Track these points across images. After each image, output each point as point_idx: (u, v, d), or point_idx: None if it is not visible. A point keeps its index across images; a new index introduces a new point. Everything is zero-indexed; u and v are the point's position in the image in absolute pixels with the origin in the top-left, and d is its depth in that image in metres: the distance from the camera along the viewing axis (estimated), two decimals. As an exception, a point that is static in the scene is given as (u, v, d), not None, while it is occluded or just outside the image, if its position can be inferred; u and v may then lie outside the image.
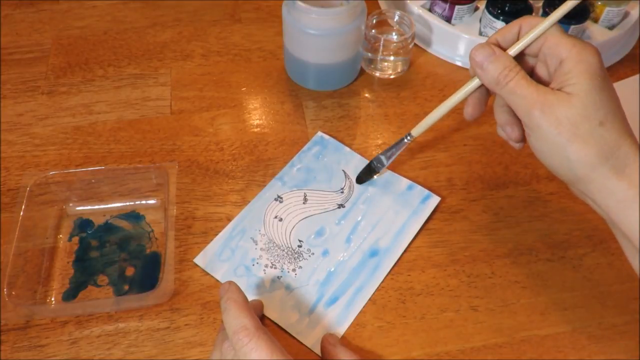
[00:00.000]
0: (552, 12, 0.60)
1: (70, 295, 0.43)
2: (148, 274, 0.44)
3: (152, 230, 0.47)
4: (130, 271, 0.45)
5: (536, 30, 0.35)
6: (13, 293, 0.40)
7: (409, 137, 0.46)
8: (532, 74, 0.38)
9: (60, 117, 0.55)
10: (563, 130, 0.32)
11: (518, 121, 0.38)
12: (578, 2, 0.34)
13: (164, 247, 0.45)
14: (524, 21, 0.36)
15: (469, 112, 0.40)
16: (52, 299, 0.43)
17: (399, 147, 0.47)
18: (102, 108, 0.56)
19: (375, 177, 0.50)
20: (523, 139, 0.38)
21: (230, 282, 0.36)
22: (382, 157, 0.49)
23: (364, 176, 0.50)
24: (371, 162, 0.49)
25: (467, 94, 0.39)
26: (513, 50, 0.36)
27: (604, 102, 0.32)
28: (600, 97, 0.32)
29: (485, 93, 0.40)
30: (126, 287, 0.44)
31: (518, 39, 0.36)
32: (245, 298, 0.35)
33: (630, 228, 0.33)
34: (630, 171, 0.32)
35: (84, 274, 0.44)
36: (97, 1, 0.68)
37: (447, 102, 0.41)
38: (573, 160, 0.33)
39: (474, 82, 0.38)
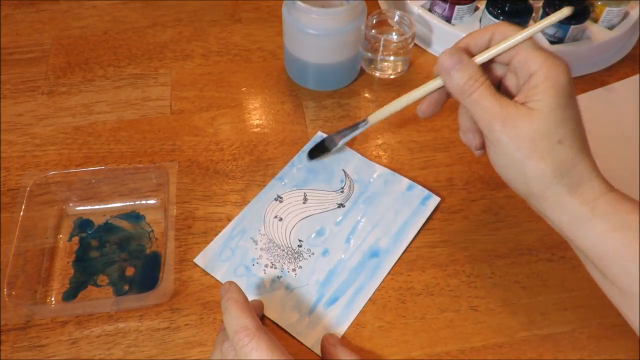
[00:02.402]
0: (551, 12, 0.60)
1: (70, 295, 0.43)
2: (148, 274, 0.44)
3: (152, 230, 0.47)
4: (130, 271, 0.45)
5: (507, 42, 0.34)
6: (13, 293, 0.40)
7: (364, 123, 0.47)
8: (500, 83, 0.37)
9: (60, 117, 0.55)
10: (521, 146, 0.32)
11: (480, 129, 0.37)
12: (556, 21, 0.33)
13: (164, 247, 0.45)
14: (498, 29, 0.35)
15: (422, 108, 0.40)
16: (52, 299, 0.43)
17: (353, 130, 0.48)
18: (102, 108, 0.56)
19: (325, 155, 0.51)
20: (483, 146, 0.38)
21: (231, 282, 0.36)
22: (335, 137, 0.49)
23: (315, 153, 0.51)
24: (324, 139, 0.50)
25: (430, 90, 0.39)
26: (480, 59, 0.35)
27: (565, 120, 0.32)
28: (563, 115, 0.32)
29: (445, 95, 0.39)
30: (126, 287, 0.44)
31: (490, 45, 0.36)
32: (246, 298, 0.35)
33: (584, 244, 0.33)
34: (583, 189, 0.33)
35: (84, 274, 0.44)
36: (97, 1, 0.68)
37: (410, 95, 0.40)
38: (529, 176, 0.33)
39: (438, 81, 0.38)
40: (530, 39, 0.34)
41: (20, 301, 0.41)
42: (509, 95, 0.36)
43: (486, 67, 0.36)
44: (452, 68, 0.35)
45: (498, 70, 0.37)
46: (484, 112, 0.34)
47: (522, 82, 0.34)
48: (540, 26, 0.34)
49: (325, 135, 0.52)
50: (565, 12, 0.33)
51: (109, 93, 0.58)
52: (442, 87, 0.38)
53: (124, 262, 0.45)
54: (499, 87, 0.37)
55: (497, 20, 0.58)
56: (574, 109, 0.33)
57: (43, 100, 0.57)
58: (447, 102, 0.40)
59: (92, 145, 0.53)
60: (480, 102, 0.34)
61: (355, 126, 0.48)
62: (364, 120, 0.47)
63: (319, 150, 0.51)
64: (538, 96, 0.32)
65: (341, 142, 0.49)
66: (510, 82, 0.36)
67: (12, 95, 0.57)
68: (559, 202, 0.33)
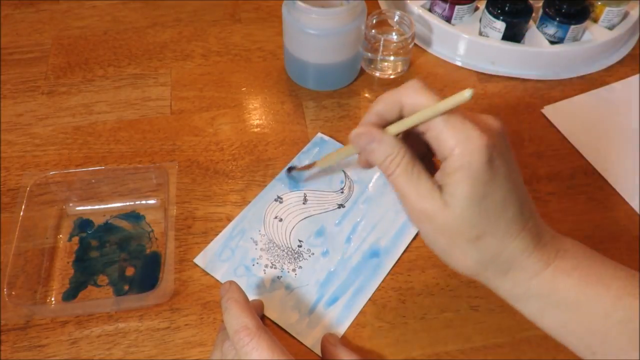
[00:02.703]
0: (551, 12, 0.60)
1: (70, 295, 0.43)
2: (148, 274, 0.44)
3: (152, 230, 0.47)
4: (130, 271, 0.45)
5: (416, 118, 0.30)
6: (13, 293, 0.40)
7: (315, 166, 0.47)
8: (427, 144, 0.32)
9: (60, 117, 0.55)
10: (440, 239, 0.31)
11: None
12: (457, 104, 0.28)
13: (164, 247, 0.45)
14: (405, 95, 0.31)
15: (362, 160, 0.35)
16: (52, 299, 0.43)
17: (306, 170, 0.49)
18: (102, 108, 0.56)
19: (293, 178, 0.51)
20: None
21: (231, 282, 0.36)
22: (295, 171, 0.50)
23: (289, 173, 0.51)
24: (290, 168, 0.50)
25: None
26: (393, 130, 0.31)
27: (482, 214, 0.29)
28: (479, 209, 0.29)
29: None
30: (126, 287, 0.44)
31: (402, 113, 0.31)
32: (246, 298, 0.35)
33: (526, 316, 0.32)
34: (514, 273, 0.31)
35: (84, 274, 0.44)
36: (97, 1, 0.68)
37: (336, 155, 0.41)
38: (454, 265, 0.32)
39: None
40: (443, 116, 0.29)
41: (20, 301, 0.41)
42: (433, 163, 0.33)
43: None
44: (366, 148, 0.31)
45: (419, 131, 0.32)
46: (401, 197, 0.31)
47: (440, 157, 0.30)
48: (447, 105, 0.28)
49: (290, 166, 0.51)
50: (466, 95, 0.27)
51: (109, 93, 0.58)
52: None
53: (124, 262, 0.45)
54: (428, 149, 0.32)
55: (497, 20, 0.58)
56: (497, 191, 0.29)
57: (43, 100, 0.57)
58: None
59: (92, 145, 0.53)
60: (399, 187, 0.31)
61: (308, 166, 0.49)
62: (314, 163, 0.47)
63: (290, 175, 0.51)
64: (452, 188, 0.29)
65: (304, 177, 0.50)
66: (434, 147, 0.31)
67: (12, 95, 0.57)
68: (491, 284, 0.32)
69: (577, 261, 0.31)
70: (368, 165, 0.35)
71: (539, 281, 0.31)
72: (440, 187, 0.30)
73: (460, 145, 0.28)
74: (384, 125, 0.32)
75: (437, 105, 0.29)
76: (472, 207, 0.29)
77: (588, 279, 0.30)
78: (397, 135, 0.32)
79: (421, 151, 0.32)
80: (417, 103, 0.30)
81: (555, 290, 0.30)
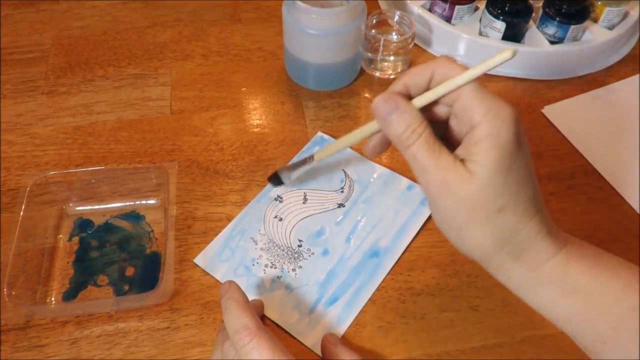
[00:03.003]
0: (551, 12, 0.60)
1: (70, 295, 0.43)
2: (148, 274, 0.44)
3: (152, 230, 0.47)
4: (130, 271, 0.45)
5: (447, 85, 0.30)
6: (13, 293, 0.40)
7: (311, 159, 0.45)
8: (444, 123, 0.33)
9: (60, 117, 0.55)
10: (459, 213, 0.30)
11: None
12: (499, 63, 0.29)
13: (164, 247, 0.45)
14: (438, 67, 0.31)
15: (369, 147, 0.36)
16: (52, 299, 0.43)
17: (302, 165, 0.47)
18: (102, 108, 0.56)
19: (280, 186, 0.49)
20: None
21: (231, 282, 0.36)
22: (286, 170, 0.48)
23: (271, 181, 0.49)
24: (277, 172, 0.48)
25: (374, 130, 0.35)
26: (418, 102, 0.32)
27: (507, 186, 0.29)
28: (505, 180, 0.29)
29: None
30: (126, 287, 0.44)
31: (430, 86, 0.32)
32: (246, 297, 0.35)
33: (536, 307, 0.32)
34: (528, 255, 0.30)
35: (84, 274, 0.44)
36: (97, 1, 0.68)
37: (354, 134, 0.37)
38: (467, 244, 0.31)
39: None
40: (474, 83, 0.30)
41: (20, 301, 0.41)
42: (453, 139, 0.33)
43: (431, 105, 0.32)
44: (388, 115, 0.31)
45: (443, 109, 0.33)
46: (421, 171, 0.30)
47: (464, 131, 0.31)
48: (481, 69, 0.30)
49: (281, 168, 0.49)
50: (506, 55, 0.29)
51: (109, 93, 0.58)
52: None
53: (124, 262, 0.45)
54: (445, 128, 0.33)
55: (497, 20, 0.58)
56: (520, 170, 0.30)
57: (43, 100, 0.57)
58: None
59: (92, 145, 0.53)
60: (418, 158, 0.30)
61: (303, 161, 0.46)
62: (311, 157, 0.45)
63: (274, 181, 0.49)
64: (478, 156, 0.29)
65: (294, 176, 0.48)
66: (454, 126, 0.32)
67: (12, 95, 0.57)
68: (503, 269, 0.32)
69: (584, 250, 0.31)
70: (378, 149, 0.35)
71: (553, 265, 0.30)
72: (462, 161, 0.30)
73: (490, 113, 0.29)
74: (407, 99, 0.32)
75: (474, 68, 0.29)
76: (498, 176, 0.29)
77: (598, 266, 0.31)
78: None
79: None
80: (448, 71, 0.31)
81: (567, 275, 0.30)
